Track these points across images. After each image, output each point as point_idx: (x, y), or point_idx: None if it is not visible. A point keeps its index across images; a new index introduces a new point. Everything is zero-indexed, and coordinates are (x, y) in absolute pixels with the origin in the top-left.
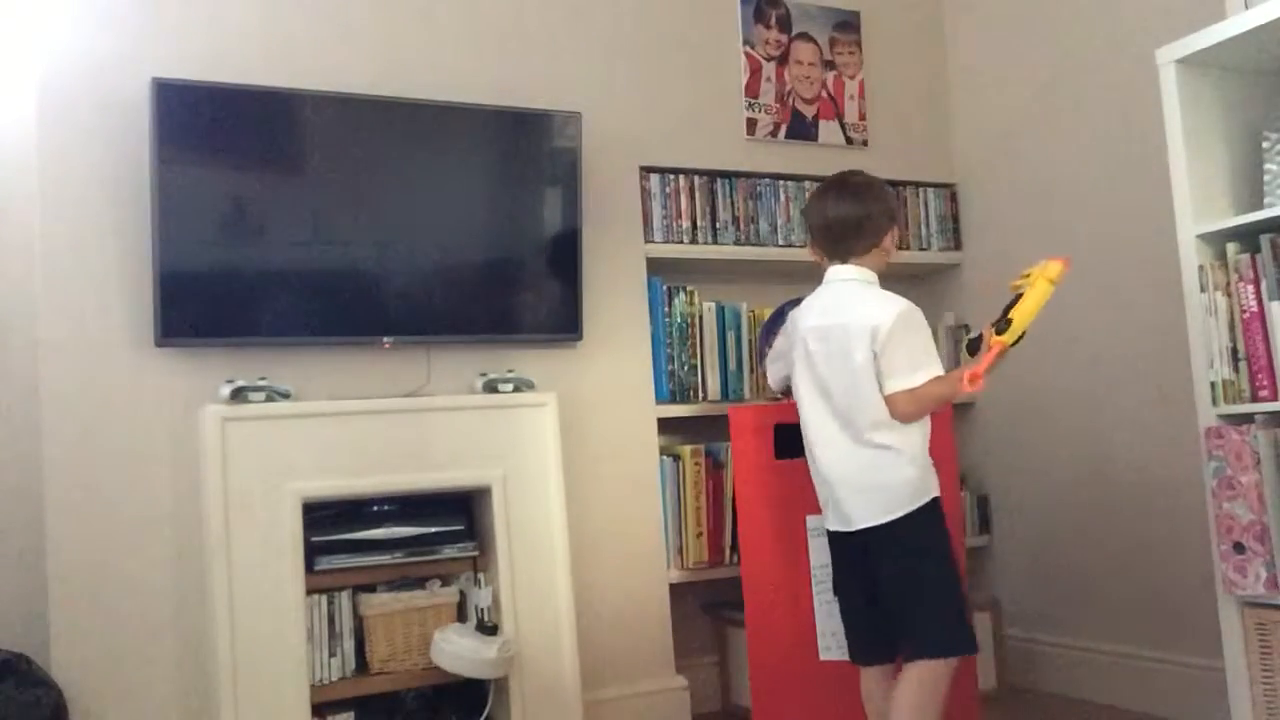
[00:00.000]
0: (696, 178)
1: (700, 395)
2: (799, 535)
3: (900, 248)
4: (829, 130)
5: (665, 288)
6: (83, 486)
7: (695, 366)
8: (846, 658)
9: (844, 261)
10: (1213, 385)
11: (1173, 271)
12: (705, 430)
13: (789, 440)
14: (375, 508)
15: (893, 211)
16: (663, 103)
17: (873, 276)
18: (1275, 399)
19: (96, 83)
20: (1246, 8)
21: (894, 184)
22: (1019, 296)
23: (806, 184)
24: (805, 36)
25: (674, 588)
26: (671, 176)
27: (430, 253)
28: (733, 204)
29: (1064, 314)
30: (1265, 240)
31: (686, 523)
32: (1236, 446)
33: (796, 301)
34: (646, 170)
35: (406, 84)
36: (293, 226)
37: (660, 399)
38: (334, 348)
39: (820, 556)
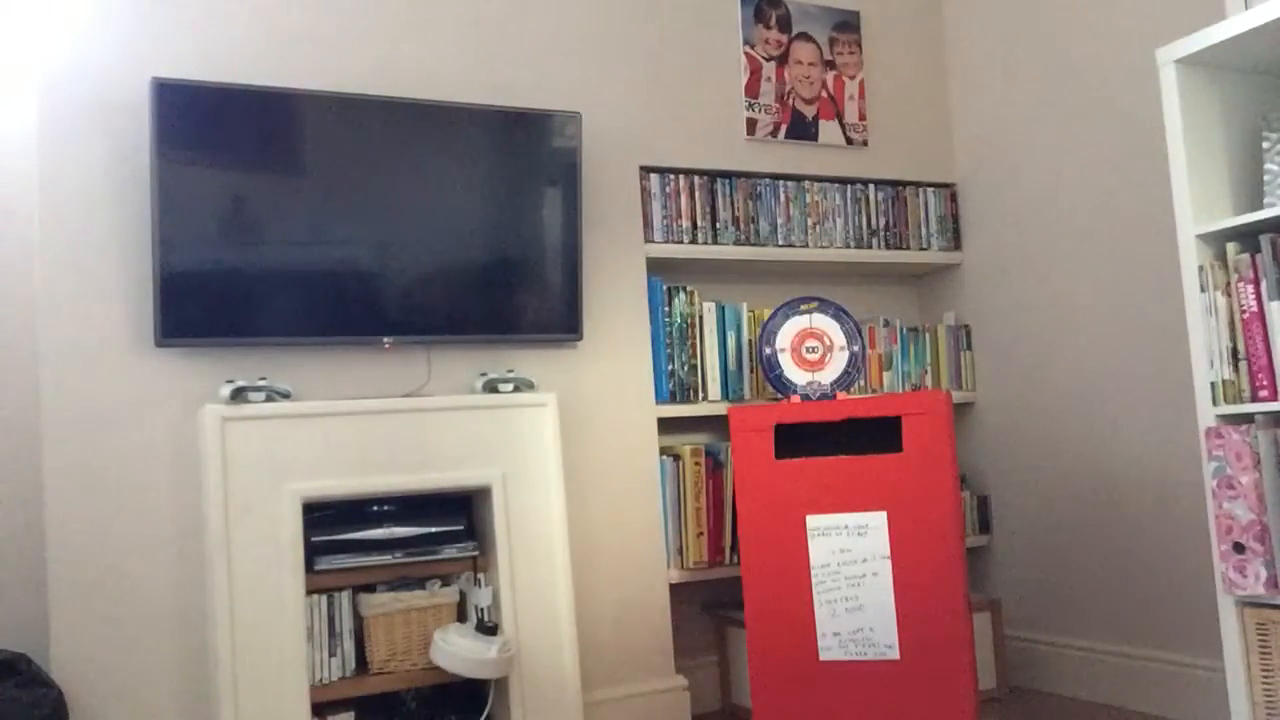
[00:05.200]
0: (696, 178)
1: (700, 395)
2: (799, 535)
3: (900, 247)
4: (829, 130)
5: (665, 288)
6: (83, 486)
7: (695, 366)
8: (847, 657)
9: None
10: (1213, 385)
11: (1173, 271)
12: (705, 430)
13: (789, 440)
14: (375, 508)
15: None
16: (663, 103)
17: None
18: (1275, 399)
19: (96, 83)
20: (1246, 8)
21: (894, 184)
22: None
23: (806, 184)
24: (805, 36)
25: (674, 588)
26: (671, 176)
27: (430, 253)
28: (733, 204)
29: (1064, 314)
30: (1265, 240)
31: (686, 523)
32: (1236, 446)
33: (797, 302)
34: (646, 170)
35: (406, 84)
36: (293, 226)
37: (660, 399)
38: (334, 348)
39: (820, 556)
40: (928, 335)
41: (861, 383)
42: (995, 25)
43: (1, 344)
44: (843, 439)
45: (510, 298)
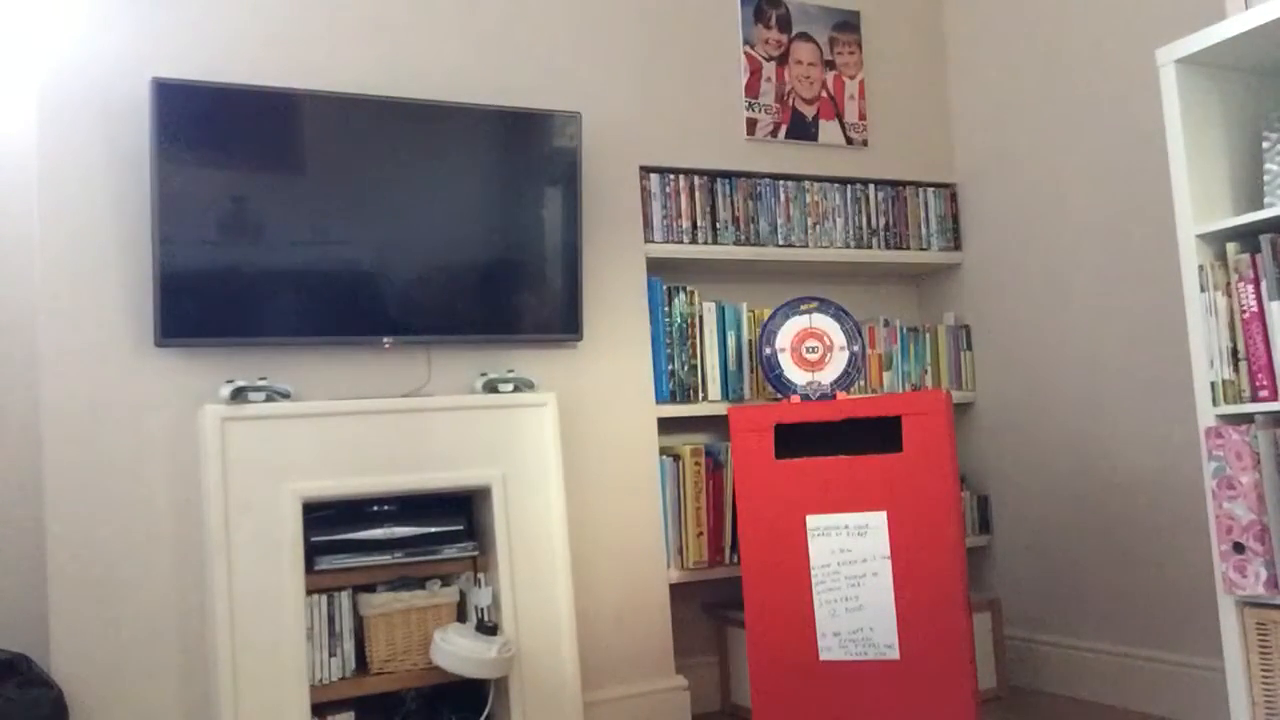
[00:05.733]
0: (696, 178)
1: (700, 395)
2: (799, 535)
3: (900, 247)
4: (829, 130)
5: (665, 288)
6: (83, 486)
7: (695, 366)
8: (847, 657)
9: None
10: (1213, 385)
11: (1173, 272)
12: (705, 430)
13: (789, 440)
14: (375, 508)
15: None
16: (663, 103)
17: None
18: (1275, 399)
19: (96, 83)
20: (1246, 8)
21: (894, 184)
22: None
23: (806, 184)
24: (805, 36)
25: (674, 588)
26: (671, 176)
27: (430, 253)
28: (733, 204)
29: (1064, 314)
30: (1265, 240)
31: (686, 523)
32: (1236, 446)
33: (797, 302)
34: (646, 170)
35: (406, 84)
36: (293, 226)
37: (660, 399)
38: (334, 348)
39: (820, 556)
40: (928, 335)
41: (861, 383)
42: (995, 25)
43: (1, 344)
44: (843, 439)
45: (510, 298)
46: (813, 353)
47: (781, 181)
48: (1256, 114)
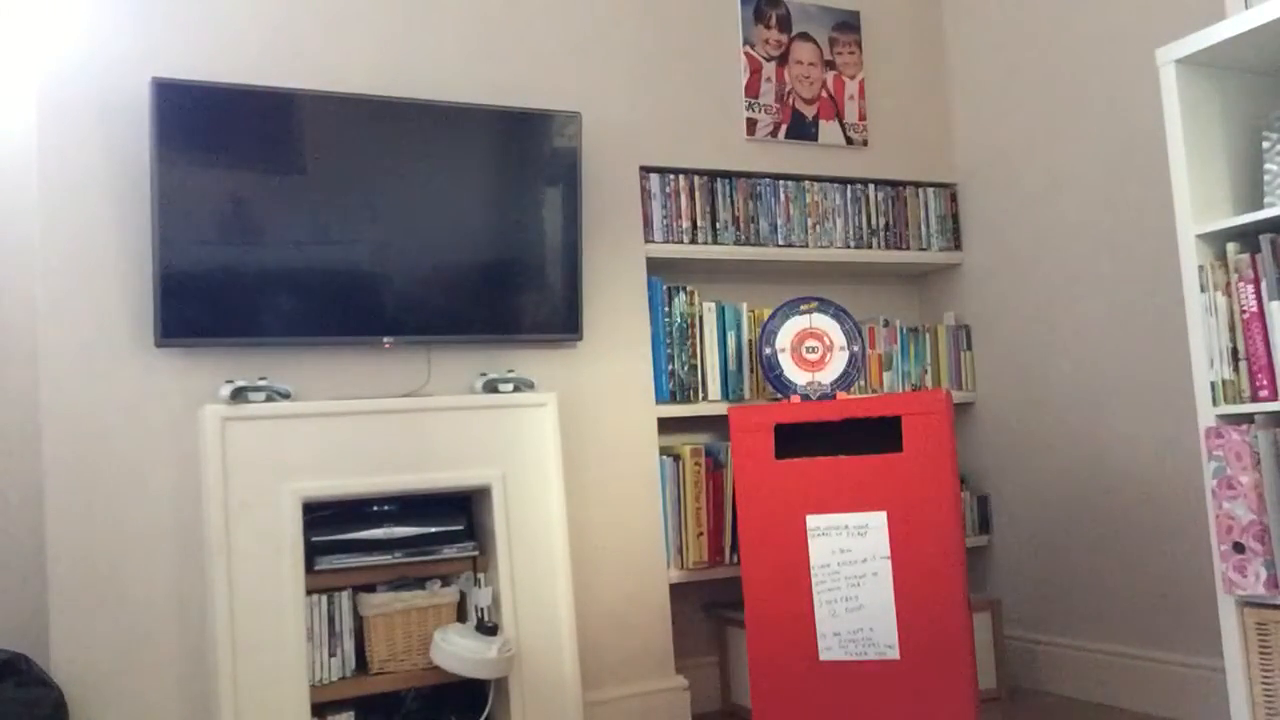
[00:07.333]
0: (696, 178)
1: (700, 395)
2: (799, 535)
3: (900, 247)
4: (829, 130)
5: (665, 288)
6: (83, 486)
7: (695, 366)
8: (847, 657)
9: None
10: (1213, 385)
11: (1173, 271)
12: (705, 430)
13: (789, 440)
14: (375, 508)
15: None
16: (663, 103)
17: None
18: (1275, 399)
19: (96, 83)
20: (1246, 8)
21: (894, 184)
22: None
23: (806, 184)
24: (805, 36)
25: (674, 588)
26: (671, 176)
27: (430, 253)
28: (733, 204)
29: (1064, 314)
30: (1265, 240)
31: (686, 523)
32: (1236, 446)
33: (797, 302)
34: (646, 170)
35: (406, 84)
36: (293, 226)
37: (660, 399)
38: (334, 348)
39: (820, 556)
40: (928, 335)
41: (861, 383)
42: (995, 25)
43: (1, 344)
44: (843, 439)
45: (510, 298)
46: (813, 353)
47: (781, 181)
48: (1256, 114)
